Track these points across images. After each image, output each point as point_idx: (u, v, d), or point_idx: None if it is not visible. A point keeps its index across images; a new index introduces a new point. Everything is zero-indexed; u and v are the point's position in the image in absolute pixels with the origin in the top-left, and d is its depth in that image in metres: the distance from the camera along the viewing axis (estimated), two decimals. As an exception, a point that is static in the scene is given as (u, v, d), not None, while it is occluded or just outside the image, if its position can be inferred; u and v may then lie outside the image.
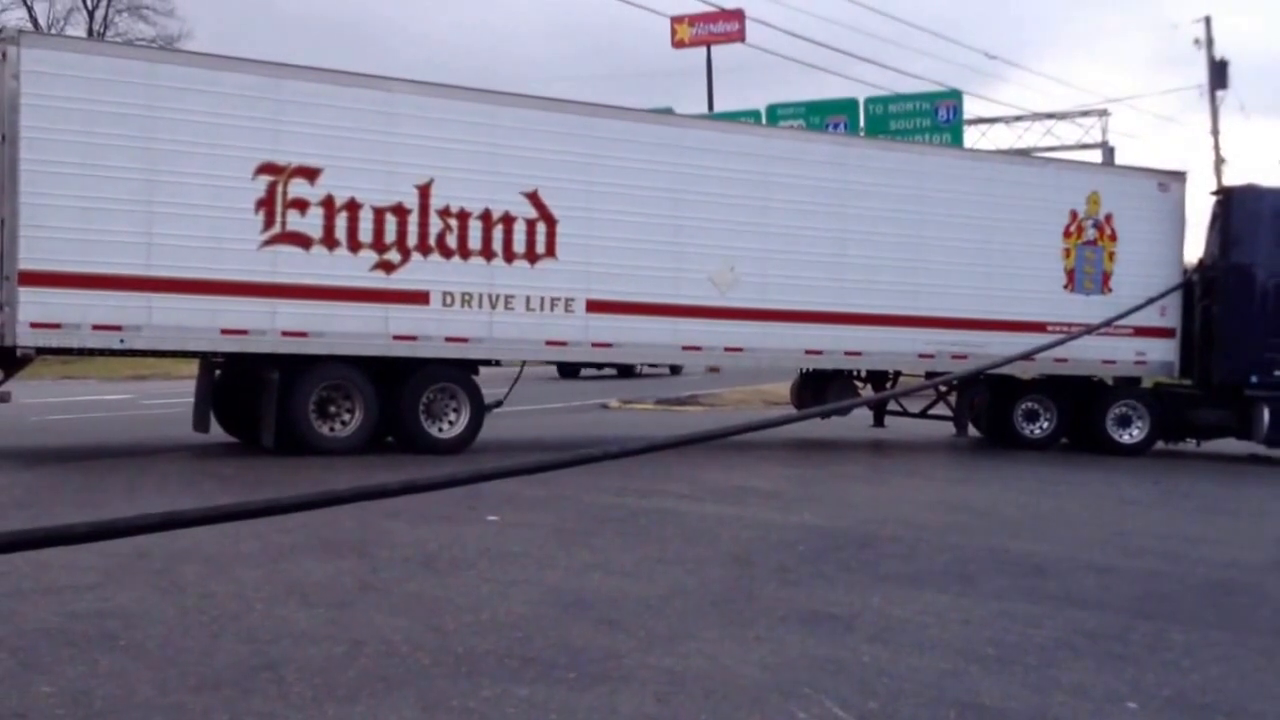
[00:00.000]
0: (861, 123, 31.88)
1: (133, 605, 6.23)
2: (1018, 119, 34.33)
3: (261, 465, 12.35)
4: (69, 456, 12.90)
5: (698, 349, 15.33)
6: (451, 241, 13.59)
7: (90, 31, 49.15)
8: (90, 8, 51.20)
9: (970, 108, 32.92)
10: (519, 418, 18.13)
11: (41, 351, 12.34)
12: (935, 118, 31.41)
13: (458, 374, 13.92)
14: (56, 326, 11.83)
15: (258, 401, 13.12)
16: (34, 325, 11.71)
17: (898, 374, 17.53)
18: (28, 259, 11.62)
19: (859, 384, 17.52)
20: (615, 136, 14.48)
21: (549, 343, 14.33)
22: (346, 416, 13.32)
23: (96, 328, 12.01)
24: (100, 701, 4.70)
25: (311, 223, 12.86)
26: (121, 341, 12.28)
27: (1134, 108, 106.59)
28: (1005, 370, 15.80)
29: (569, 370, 33.70)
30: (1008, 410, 17.39)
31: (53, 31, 43.52)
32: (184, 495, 10.37)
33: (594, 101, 14.97)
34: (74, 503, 9.84)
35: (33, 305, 11.66)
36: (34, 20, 48.38)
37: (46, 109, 11.67)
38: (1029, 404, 17.45)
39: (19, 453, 13.12)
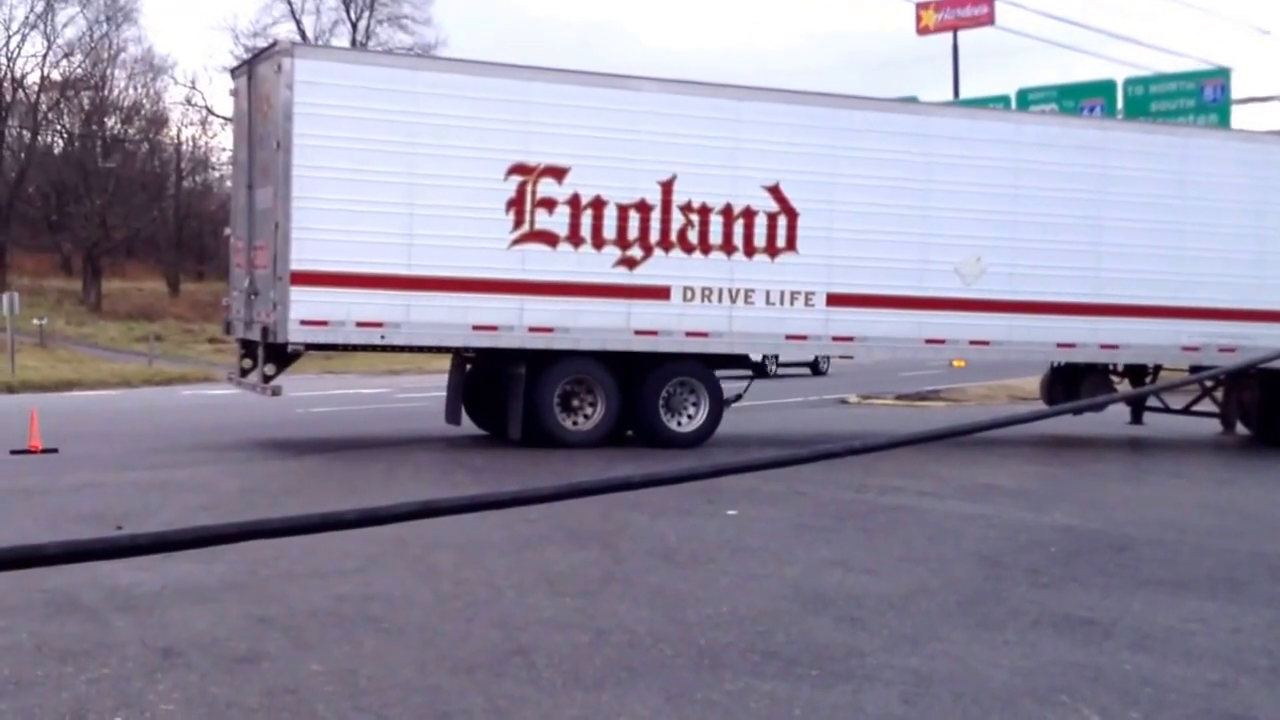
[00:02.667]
0: (1119, 104, 30.35)
1: (393, 589, 6.55)
2: (1293, 96, 32.00)
3: (508, 456, 12.76)
4: (332, 447, 13.68)
5: (942, 342, 14.95)
6: (692, 237, 13.69)
7: (353, 42, 51.94)
8: (353, 19, 54.13)
9: (1239, 86, 30.74)
10: (757, 412, 18.12)
11: (310, 348, 13.11)
12: (1200, 97, 29.57)
13: (697, 368, 14.02)
14: (324, 324, 12.54)
15: (505, 395, 13.57)
16: (303, 323, 12.43)
17: (1158, 368, 16.64)
18: (299, 260, 12.35)
19: (1115, 379, 16.74)
20: (859, 127, 14.27)
21: (789, 337, 14.26)
22: (589, 410, 13.61)
23: (360, 325, 12.67)
24: (365, 681, 4.95)
25: (558, 221, 13.20)
26: (382, 338, 12.92)
27: None
28: (1279, 364, 14.77)
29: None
30: (1281, 407, 16.25)
31: (319, 43, 46.16)
32: (438, 484, 10.83)
33: (836, 92, 14.79)
34: (338, 490, 10.43)
35: (303, 304, 12.39)
36: (302, 32, 51.51)
37: (317, 116, 12.37)
38: (1306, 400, 16.25)
39: (287, 443, 13.98)
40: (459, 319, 12.93)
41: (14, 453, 12.49)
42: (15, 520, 8.67)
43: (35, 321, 36.06)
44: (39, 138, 52.69)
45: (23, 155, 51.80)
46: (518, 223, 13.08)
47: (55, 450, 12.63)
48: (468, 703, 4.71)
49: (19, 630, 5.60)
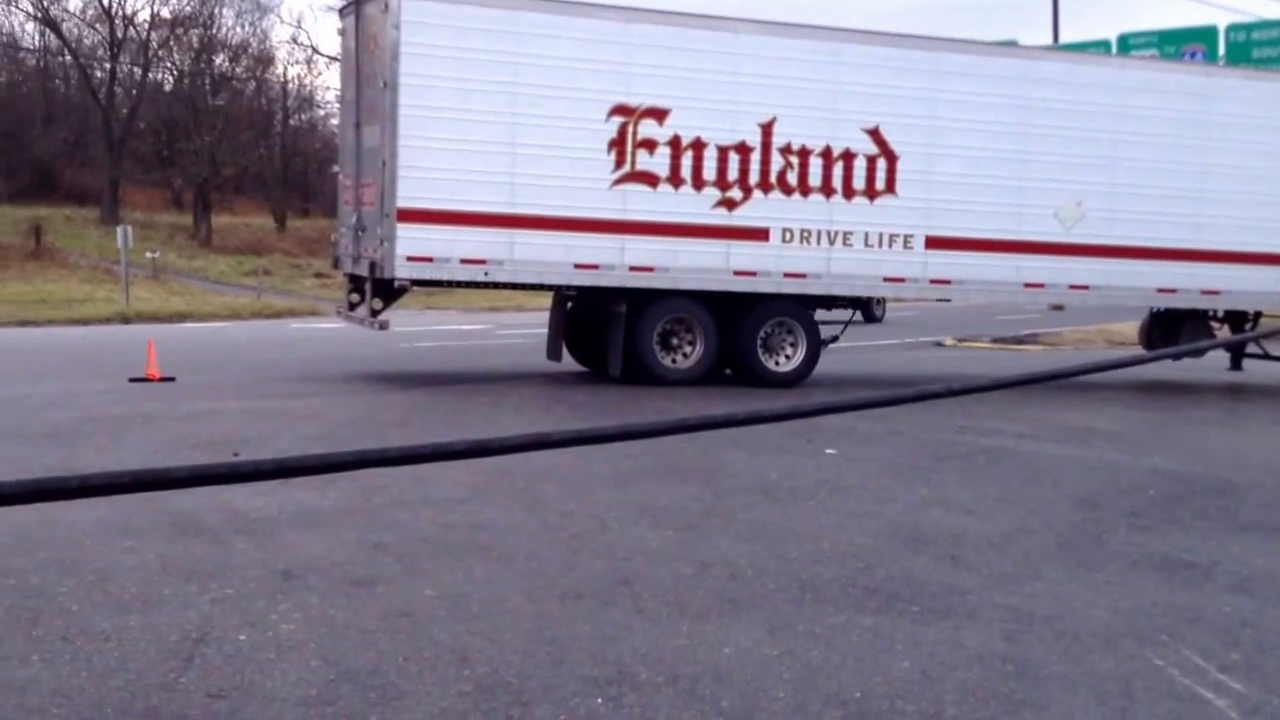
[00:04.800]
0: (1221, 50, 29.40)
1: (500, 519, 6.79)
2: None
3: (609, 393, 12.97)
4: (436, 381, 14.01)
5: (1040, 286, 14.81)
6: (792, 179, 13.69)
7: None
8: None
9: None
10: (853, 354, 18.12)
11: (416, 283, 13.41)
12: (1306, 43, 28.43)
13: (795, 309, 14.08)
14: (429, 260, 12.82)
15: (605, 333, 13.76)
16: (410, 259, 12.71)
17: (1259, 314, 16.32)
18: (405, 197, 12.60)
19: (1215, 324, 16.46)
20: (959, 70, 14.11)
21: (886, 279, 14.25)
22: (688, 349, 13.77)
23: (464, 262, 12.93)
24: (477, 605, 5.17)
25: (659, 162, 13.29)
26: (486, 275, 13.17)
27: None
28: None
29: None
30: (1392, 355, 15.86)
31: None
32: (541, 418, 11.07)
33: (936, 35, 14.61)
34: (444, 423, 10.72)
35: (409, 240, 12.66)
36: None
37: (423, 56, 12.55)
38: None
39: (393, 376, 14.35)
40: (561, 257, 13.12)
41: (133, 380, 12.96)
42: (138, 445, 9.04)
43: (148, 255, 37.07)
44: (149, 75, 53.74)
45: (134, 92, 52.95)
46: (619, 163, 13.20)
47: (173, 379, 13.06)
48: (576, 630, 4.89)
49: (145, 550, 5.87)
